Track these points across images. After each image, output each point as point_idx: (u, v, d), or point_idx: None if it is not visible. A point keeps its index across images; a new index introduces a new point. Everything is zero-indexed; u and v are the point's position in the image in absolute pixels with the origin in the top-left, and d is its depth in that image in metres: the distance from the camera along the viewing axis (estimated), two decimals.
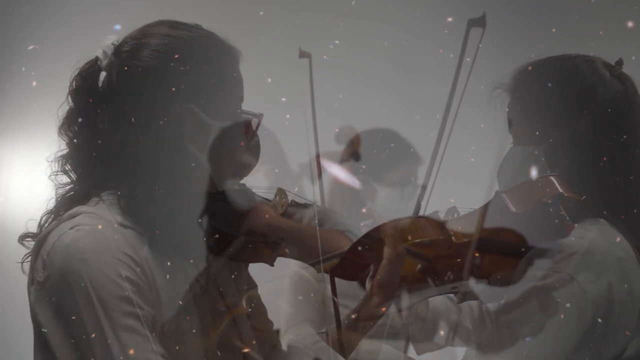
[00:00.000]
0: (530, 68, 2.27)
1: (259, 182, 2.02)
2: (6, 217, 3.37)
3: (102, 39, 1.94)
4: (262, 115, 1.98)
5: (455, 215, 2.11)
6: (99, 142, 1.89)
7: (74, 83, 1.94)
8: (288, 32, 3.71)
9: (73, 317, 1.79)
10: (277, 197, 2.01)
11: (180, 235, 1.90)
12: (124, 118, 1.88)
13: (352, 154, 3.33)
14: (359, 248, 1.97)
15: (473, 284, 2.04)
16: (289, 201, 2.02)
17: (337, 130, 3.33)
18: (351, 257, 1.97)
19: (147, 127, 1.87)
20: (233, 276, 2.05)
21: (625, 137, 2.19)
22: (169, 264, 1.88)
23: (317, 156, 1.93)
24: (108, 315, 1.78)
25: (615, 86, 2.21)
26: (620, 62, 2.25)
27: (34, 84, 3.29)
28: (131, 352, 1.76)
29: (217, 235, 1.96)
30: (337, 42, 3.46)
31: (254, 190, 2.04)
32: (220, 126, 1.92)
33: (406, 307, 2.09)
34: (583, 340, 2.05)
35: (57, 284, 1.81)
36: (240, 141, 1.96)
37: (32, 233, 1.95)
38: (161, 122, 1.87)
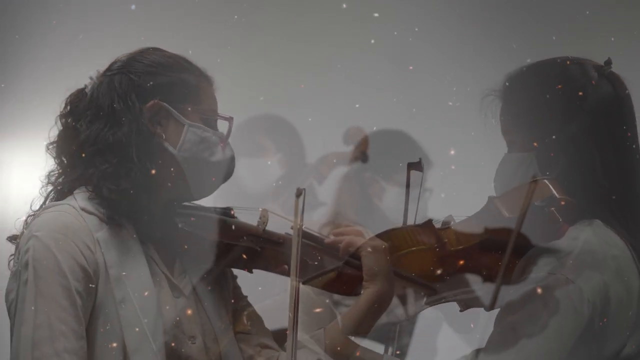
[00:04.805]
0: (522, 73, 2.26)
1: (272, 169, 2.13)
2: (6, 217, 3.38)
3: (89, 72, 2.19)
4: (232, 118, 2.19)
5: (452, 223, 2.13)
6: (77, 144, 2.11)
7: (64, 107, 2.18)
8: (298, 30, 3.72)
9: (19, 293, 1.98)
10: (261, 217, 2.20)
11: (149, 223, 2.11)
12: (101, 114, 2.11)
13: (360, 155, 3.34)
14: (342, 269, 2.09)
15: (474, 290, 2.06)
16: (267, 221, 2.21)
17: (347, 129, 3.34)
18: (345, 273, 2.10)
19: (121, 118, 2.10)
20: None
21: (617, 137, 2.18)
22: (123, 251, 2.06)
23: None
24: (36, 283, 1.96)
25: (605, 87, 2.20)
26: (608, 62, 2.23)
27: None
28: (40, 316, 1.94)
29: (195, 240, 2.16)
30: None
31: (238, 210, 2.23)
32: (191, 126, 2.13)
33: (412, 314, 2.11)
34: (581, 339, 2.06)
35: (20, 266, 2.01)
36: (212, 145, 2.15)
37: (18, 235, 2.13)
38: (135, 115, 2.10)
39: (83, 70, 2.23)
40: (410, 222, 2.20)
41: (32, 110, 3.32)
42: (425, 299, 2.13)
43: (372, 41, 3.61)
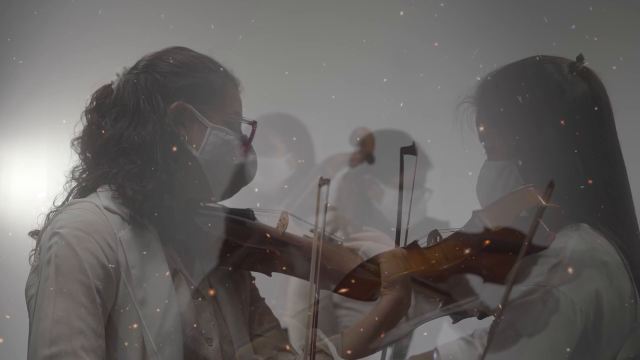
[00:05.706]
0: (495, 76, 2.20)
1: (281, 169, 2.12)
2: (6, 217, 3.39)
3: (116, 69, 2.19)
4: (256, 122, 2.18)
5: (438, 238, 2.12)
6: (101, 142, 2.10)
7: (89, 103, 2.17)
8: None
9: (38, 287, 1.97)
10: (281, 220, 2.20)
11: (170, 224, 2.12)
12: (126, 112, 2.11)
13: (366, 155, 3.33)
14: (360, 273, 2.09)
15: (463, 303, 2.06)
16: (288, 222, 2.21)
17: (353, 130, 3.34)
18: (361, 278, 2.10)
19: (146, 119, 2.10)
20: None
21: (596, 134, 2.13)
22: (144, 252, 2.07)
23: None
24: (57, 280, 1.96)
25: (580, 84, 2.14)
26: (580, 58, 2.17)
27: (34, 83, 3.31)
28: (59, 313, 1.94)
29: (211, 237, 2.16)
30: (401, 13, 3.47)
31: (258, 212, 2.24)
32: (214, 128, 2.12)
33: (409, 330, 2.12)
34: (576, 350, 2.02)
35: (42, 262, 2.01)
36: (235, 148, 2.15)
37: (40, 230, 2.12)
38: (159, 116, 2.10)
39: (83, 72, 2.23)
40: (406, 222, 2.19)
41: (33, 110, 3.33)
42: (440, 305, 2.13)
43: (401, 13, 3.60)
